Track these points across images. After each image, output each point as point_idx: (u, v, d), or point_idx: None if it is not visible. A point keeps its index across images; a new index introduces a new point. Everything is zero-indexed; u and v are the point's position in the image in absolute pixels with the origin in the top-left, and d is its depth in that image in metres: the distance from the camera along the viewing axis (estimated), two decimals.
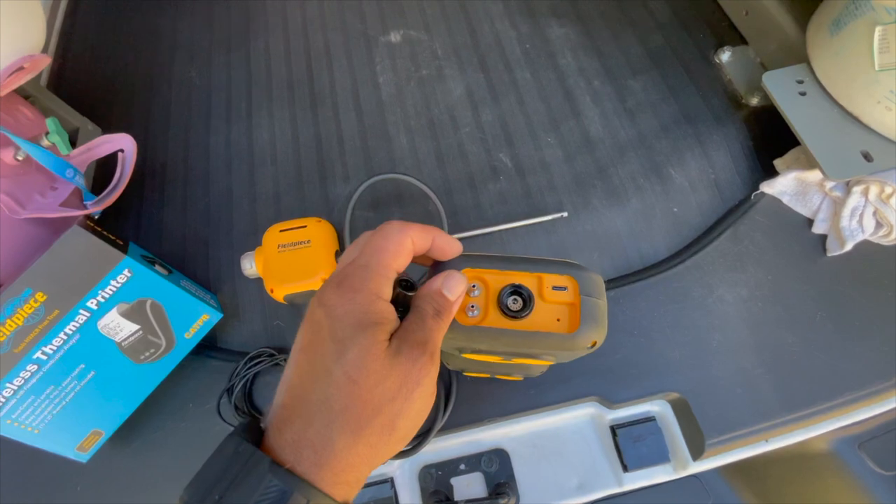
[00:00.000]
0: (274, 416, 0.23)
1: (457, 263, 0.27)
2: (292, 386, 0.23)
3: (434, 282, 0.25)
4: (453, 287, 0.25)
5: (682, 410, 0.46)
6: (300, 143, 0.62)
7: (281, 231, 0.51)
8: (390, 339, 0.23)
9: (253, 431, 0.23)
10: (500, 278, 0.27)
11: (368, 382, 0.21)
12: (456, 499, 0.45)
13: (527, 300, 0.26)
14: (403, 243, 0.25)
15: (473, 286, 0.27)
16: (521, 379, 0.46)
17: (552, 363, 0.33)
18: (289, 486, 0.20)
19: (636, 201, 0.55)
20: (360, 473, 0.22)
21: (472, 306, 0.27)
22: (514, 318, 0.26)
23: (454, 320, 0.27)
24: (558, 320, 0.26)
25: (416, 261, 0.28)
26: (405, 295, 0.25)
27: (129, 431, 0.46)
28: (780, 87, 0.52)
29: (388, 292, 0.24)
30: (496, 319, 0.26)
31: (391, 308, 0.24)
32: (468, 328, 0.27)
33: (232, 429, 0.45)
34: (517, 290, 0.26)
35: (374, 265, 0.24)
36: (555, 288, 0.26)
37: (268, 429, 0.23)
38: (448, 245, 0.27)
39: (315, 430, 0.21)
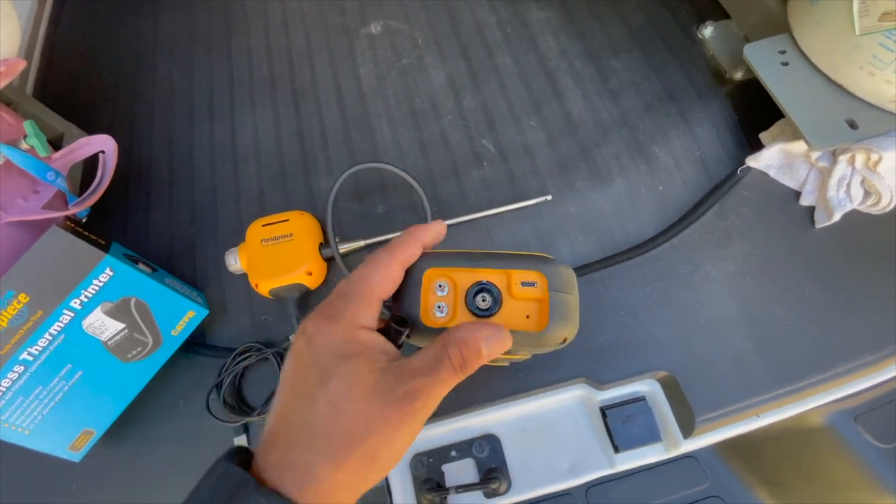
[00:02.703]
0: (262, 442, 0.23)
1: (423, 263, 0.26)
2: (278, 413, 0.23)
3: (477, 329, 0.24)
4: (495, 345, 0.23)
5: (671, 389, 0.46)
6: (283, 138, 0.62)
7: (264, 226, 0.51)
8: (387, 369, 0.23)
9: (241, 455, 0.23)
10: (468, 276, 0.26)
11: (352, 411, 0.22)
12: (448, 485, 0.45)
13: (495, 298, 0.25)
14: (390, 271, 0.24)
15: (440, 285, 0.26)
16: (507, 364, 0.46)
17: (527, 357, 0.32)
18: None
19: (621, 181, 0.54)
20: (343, 498, 0.22)
21: (440, 306, 0.26)
22: (483, 316, 0.25)
23: (421, 322, 0.26)
24: (528, 317, 0.25)
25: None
26: (397, 330, 0.25)
27: (121, 430, 0.47)
28: (762, 59, 0.51)
29: (369, 320, 0.24)
30: (465, 319, 0.25)
31: (377, 336, 0.24)
32: (436, 330, 0.26)
33: (223, 424, 0.46)
34: (485, 288, 0.25)
35: (353, 294, 0.24)
36: (523, 284, 0.25)
37: (256, 454, 0.23)
38: (434, 233, 0.27)
39: (297, 453, 0.22)
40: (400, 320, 0.25)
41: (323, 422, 0.22)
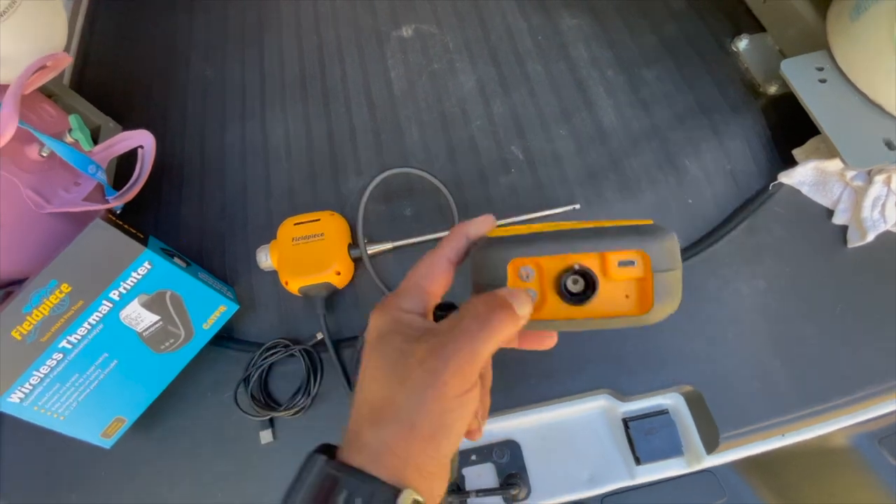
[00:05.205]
0: None
1: (504, 252, 0.23)
2: None
3: (496, 290, 0.23)
4: (520, 298, 0.22)
5: (695, 403, 0.46)
6: (313, 138, 0.63)
7: (295, 224, 0.52)
8: (418, 337, 0.23)
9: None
10: (557, 262, 0.23)
11: (384, 379, 0.23)
12: (467, 489, 0.45)
13: (590, 282, 0.22)
14: (433, 262, 0.26)
15: (525, 272, 0.23)
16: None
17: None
18: (333, 470, 0.22)
19: (650, 193, 0.54)
20: (391, 461, 0.21)
21: (528, 292, 0.23)
22: (578, 302, 0.22)
23: None
24: (627, 297, 0.22)
25: None
26: (440, 315, 0.25)
27: (151, 419, 0.48)
28: (800, 75, 0.50)
29: (412, 305, 0.25)
30: (556, 307, 0.23)
31: (416, 317, 0.24)
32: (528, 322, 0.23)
33: (250, 417, 0.47)
34: (578, 272, 0.23)
35: (401, 287, 0.26)
36: (622, 264, 0.22)
37: None
38: (481, 226, 0.27)
39: (351, 423, 0.23)
40: (443, 305, 0.26)
41: (365, 392, 0.23)
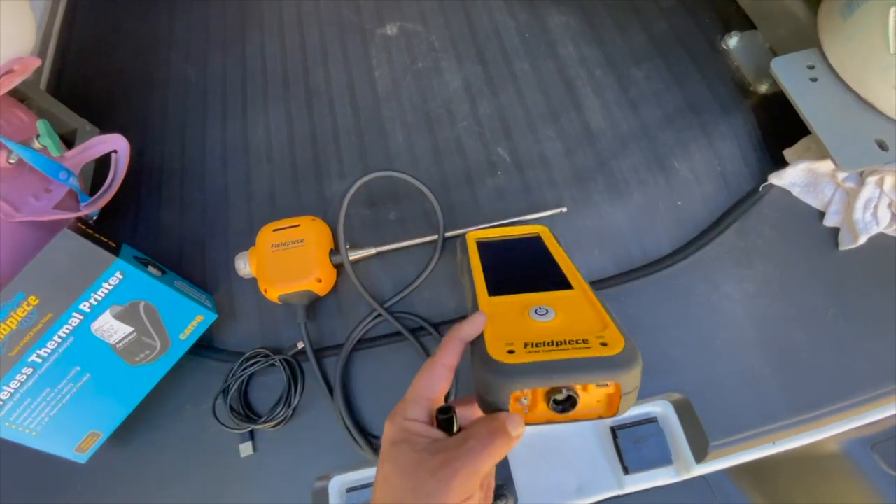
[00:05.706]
0: None
1: (507, 383, 0.27)
2: None
3: (503, 415, 0.27)
4: (519, 425, 0.27)
5: (684, 411, 0.45)
6: (295, 140, 0.61)
7: (274, 230, 0.50)
8: (426, 447, 0.27)
9: None
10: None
11: (398, 484, 0.26)
12: None
13: (572, 399, 0.28)
14: (433, 373, 0.29)
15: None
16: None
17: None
18: None
19: (639, 195, 0.53)
20: None
21: (522, 401, 0.28)
22: (561, 411, 0.28)
23: None
24: (598, 402, 0.28)
25: None
26: (442, 419, 0.29)
27: (128, 432, 0.47)
28: (790, 74, 0.49)
29: (416, 414, 0.28)
30: (543, 412, 0.28)
31: (421, 425, 0.28)
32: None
33: (229, 430, 0.46)
34: (563, 392, 0.28)
35: (406, 396, 0.30)
36: (598, 385, 0.28)
37: None
38: (474, 328, 0.30)
39: None
40: (442, 409, 0.29)
41: (381, 494, 0.27)
